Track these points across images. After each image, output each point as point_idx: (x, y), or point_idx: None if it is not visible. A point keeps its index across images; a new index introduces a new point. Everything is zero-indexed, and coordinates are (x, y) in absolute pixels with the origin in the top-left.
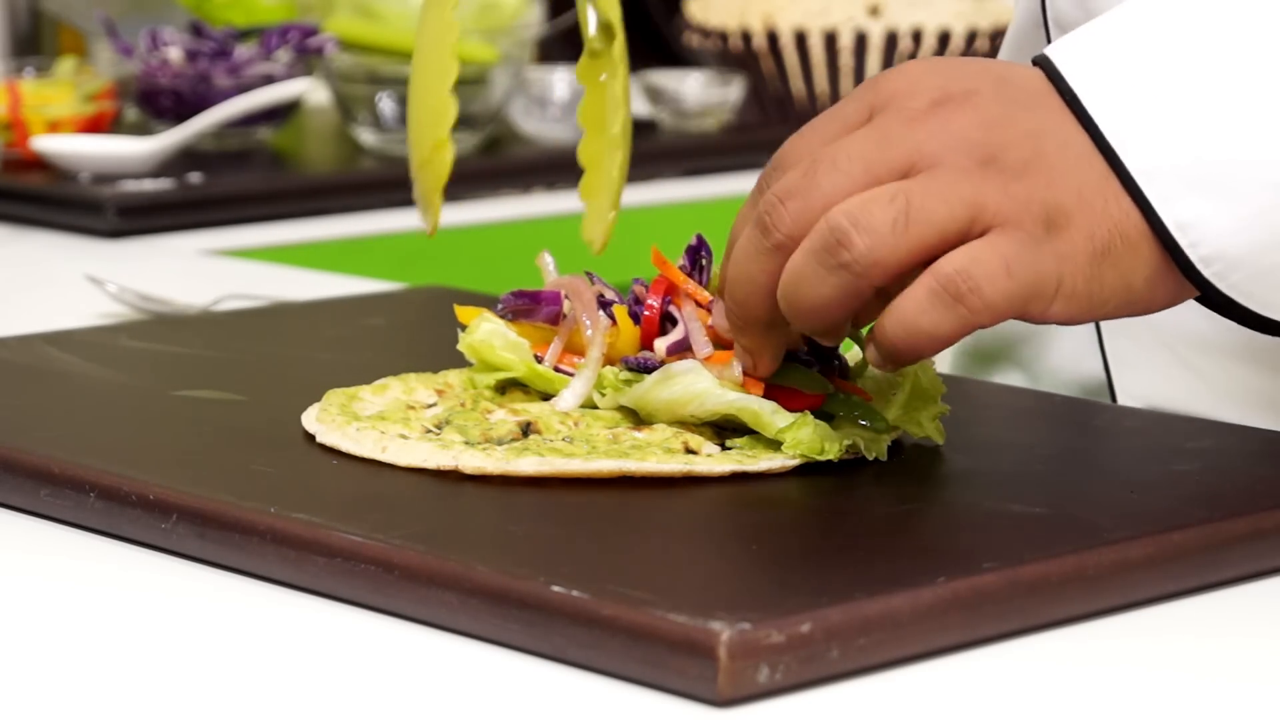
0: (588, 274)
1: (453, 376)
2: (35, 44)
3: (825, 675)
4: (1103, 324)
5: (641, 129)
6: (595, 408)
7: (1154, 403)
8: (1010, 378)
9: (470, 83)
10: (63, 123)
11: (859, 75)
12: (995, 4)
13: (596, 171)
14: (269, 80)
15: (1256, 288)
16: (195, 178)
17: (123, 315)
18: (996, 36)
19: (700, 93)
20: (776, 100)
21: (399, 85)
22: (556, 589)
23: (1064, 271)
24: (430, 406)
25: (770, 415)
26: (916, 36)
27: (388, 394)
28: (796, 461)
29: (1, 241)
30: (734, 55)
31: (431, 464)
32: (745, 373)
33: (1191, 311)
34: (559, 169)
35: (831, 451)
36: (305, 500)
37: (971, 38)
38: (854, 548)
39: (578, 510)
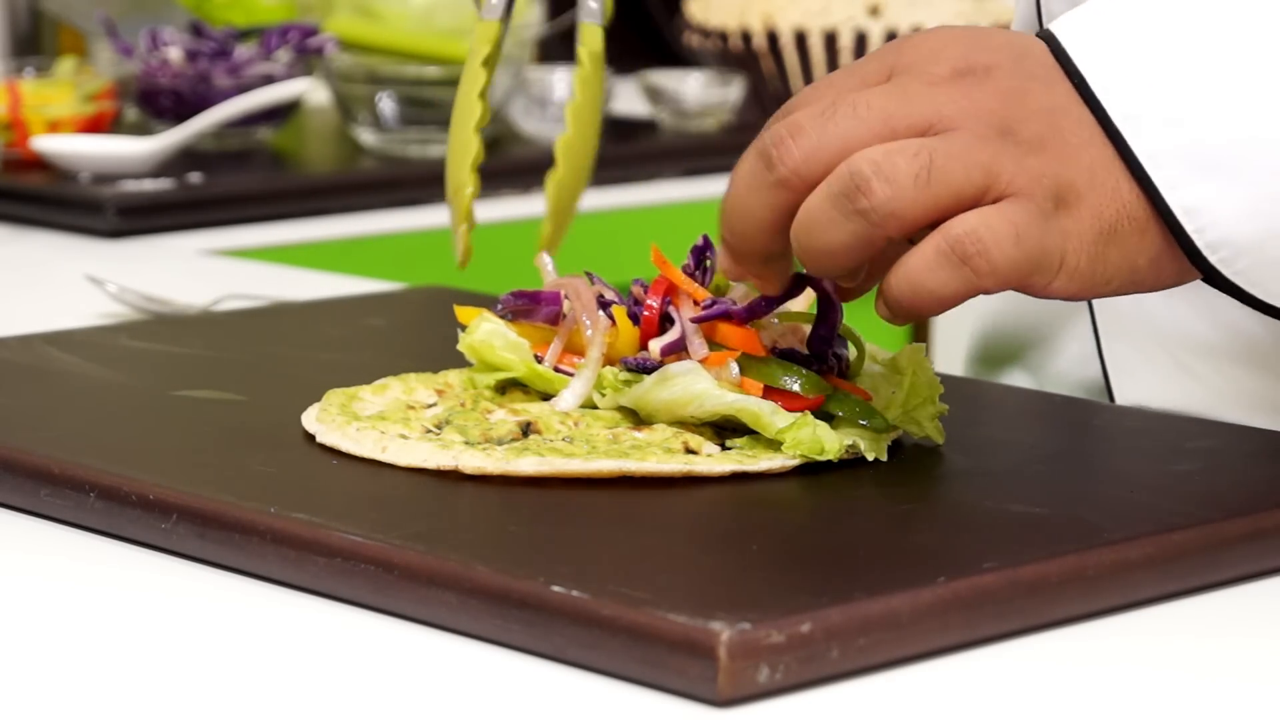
0: (587, 274)
1: (453, 376)
2: (35, 44)
3: (825, 675)
4: (1101, 329)
5: (641, 129)
6: (595, 408)
7: (1152, 407)
8: (1018, 381)
9: None
10: (63, 123)
11: None
12: (995, 4)
13: (566, 169)
14: (269, 80)
15: (1263, 275)
16: (195, 178)
17: (123, 315)
18: None
19: (700, 93)
20: (776, 100)
21: (399, 85)
22: (556, 589)
23: (1069, 248)
24: (430, 406)
25: (770, 416)
26: None
27: (388, 394)
28: (796, 461)
29: (1, 241)
30: (734, 55)
31: (431, 464)
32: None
33: (1190, 315)
34: None
35: (831, 451)
36: (305, 500)
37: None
38: (854, 548)
39: (578, 510)
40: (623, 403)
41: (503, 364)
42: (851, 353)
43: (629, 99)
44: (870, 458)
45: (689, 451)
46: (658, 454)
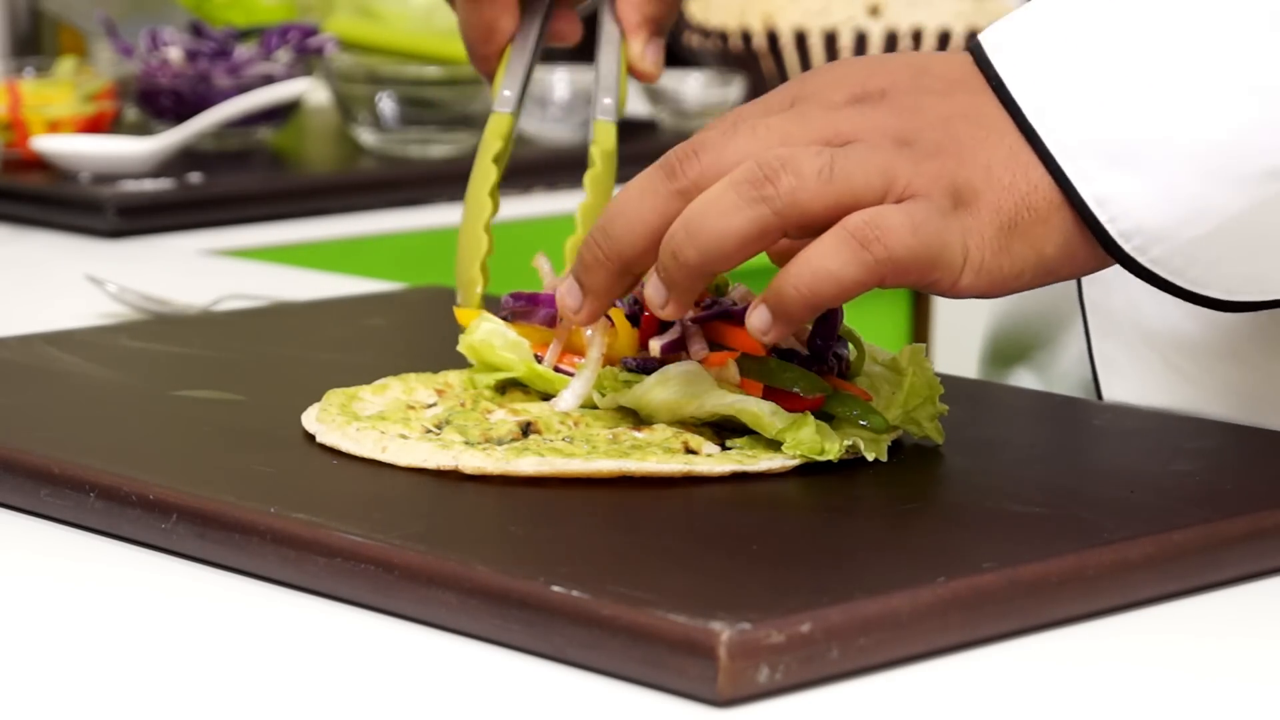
0: None
1: (453, 376)
2: (35, 44)
3: (825, 675)
4: (1091, 328)
5: (641, 129)
6: (595, 408)
7: (1140, 405)
8: (1025, 380)
9: (469, 83)
10: (63, 123)
11: None
12: (995, 4)
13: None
14: (269, 80)
15: (1179, 262)
16: (195, 178)
17: (123, 315)
18: None
19: (700, 93)
20: None
21: (399, 85)
22: (556, 589)
23: (970, 244)
24: (430, 406)
25: (770, 416)
26: (917, 36)
27: (388, 394)
28: (796, 461)
29: (1, 241)
30: (734, 55)
31: (431, 464)
32: (563, 316)
33: (1178, 314)
34: (559, 169)
35: (831, 451)
36: (305, 500)
37: (972, 37)
38: (854, 548)
39: (578, 510)
40: (623, 403)
41: (503, 364)
42: (851, 353)
43: (629, 99)
44: (870, 458)
45: (689, 451)
46: (658, 454)
